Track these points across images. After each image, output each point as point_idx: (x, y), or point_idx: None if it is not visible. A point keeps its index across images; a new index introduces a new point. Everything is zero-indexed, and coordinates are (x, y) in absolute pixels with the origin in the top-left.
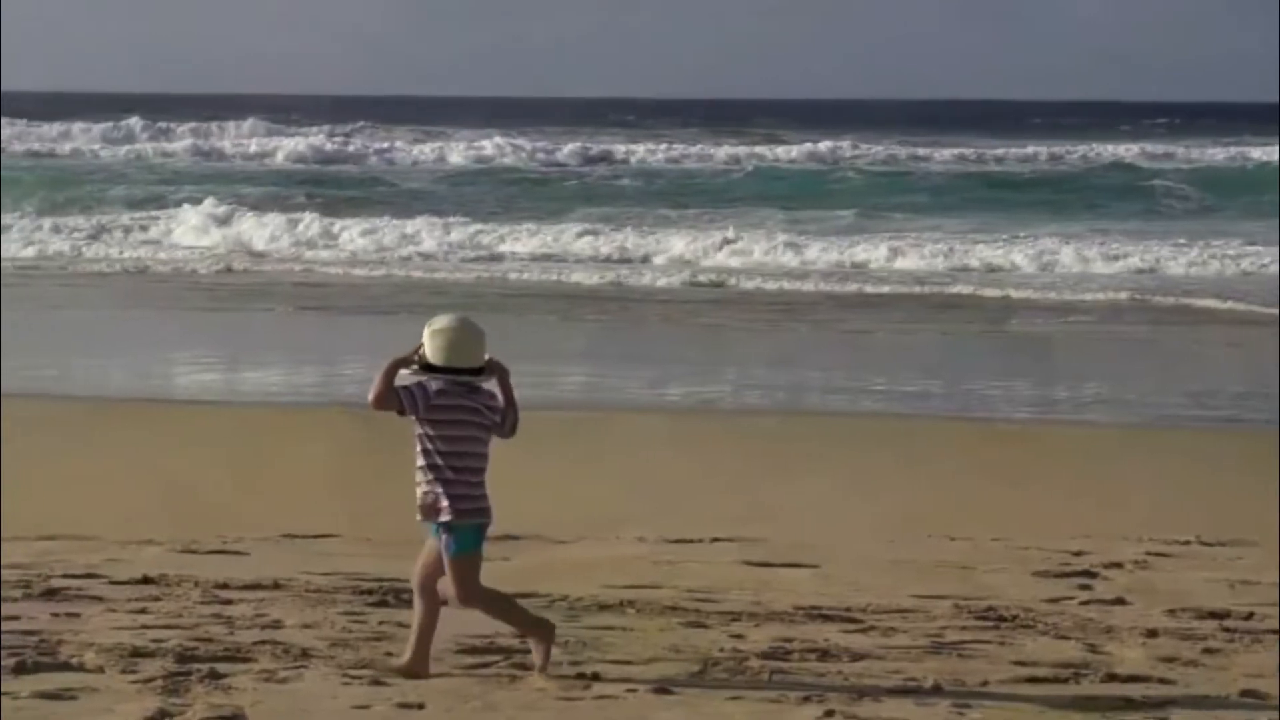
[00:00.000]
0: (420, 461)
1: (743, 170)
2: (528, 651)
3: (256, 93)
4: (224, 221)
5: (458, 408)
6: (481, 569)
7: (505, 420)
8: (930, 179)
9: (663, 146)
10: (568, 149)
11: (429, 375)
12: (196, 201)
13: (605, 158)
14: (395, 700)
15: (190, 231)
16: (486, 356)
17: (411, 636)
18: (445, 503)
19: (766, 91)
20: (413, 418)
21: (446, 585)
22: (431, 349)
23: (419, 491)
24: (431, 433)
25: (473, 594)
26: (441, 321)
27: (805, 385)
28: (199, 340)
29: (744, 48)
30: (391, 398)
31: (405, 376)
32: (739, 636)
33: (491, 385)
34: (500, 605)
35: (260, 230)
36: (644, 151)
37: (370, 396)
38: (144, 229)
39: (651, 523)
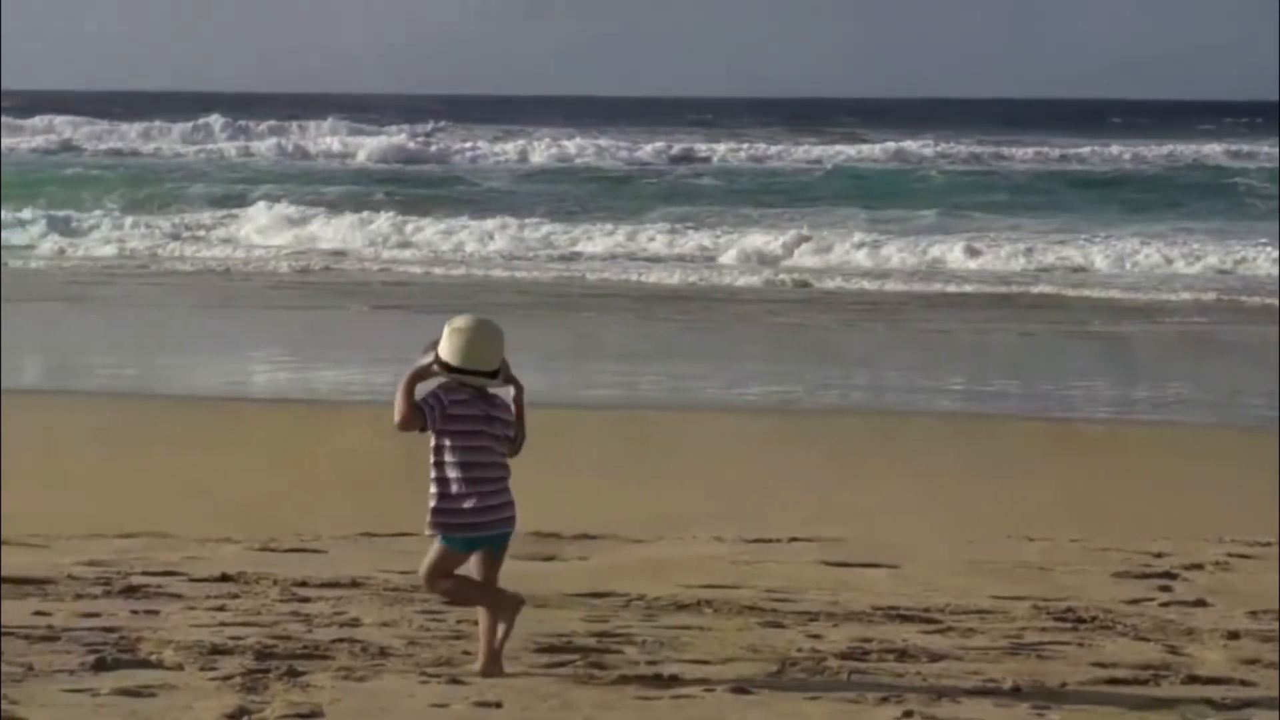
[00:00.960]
0: (433, 474)
1: (824, 169)
2: (605, 650)
3: (334, 92)
4: (304, 221)
5: (472, 417)
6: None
7: (515, 437)
8: (1012, 178)
9: (744, 145)
10: (649, 148)
11: (448, 375)
12: (275, 200)
13: (686, 157)
14: (473, 699)
15: (269, 230)
16: (504, 358)
17: (480, 639)
18: (434, 503)
19: (846, 90)
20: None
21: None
22: (449, 348)
23: (429, 501)
24: (447, 443)
25: (433, 582)
26: (460, 321)
27: (884, 385)
28: (278, 339)
29: (823, 46)
30: (416, 416)
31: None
32: (817, 637)
33: (507, 397)
34: (463, 595)
35: (340, 230)
36: (725, 150)
37: (396, 419)
38: (224, 227)
39: (729, 522)
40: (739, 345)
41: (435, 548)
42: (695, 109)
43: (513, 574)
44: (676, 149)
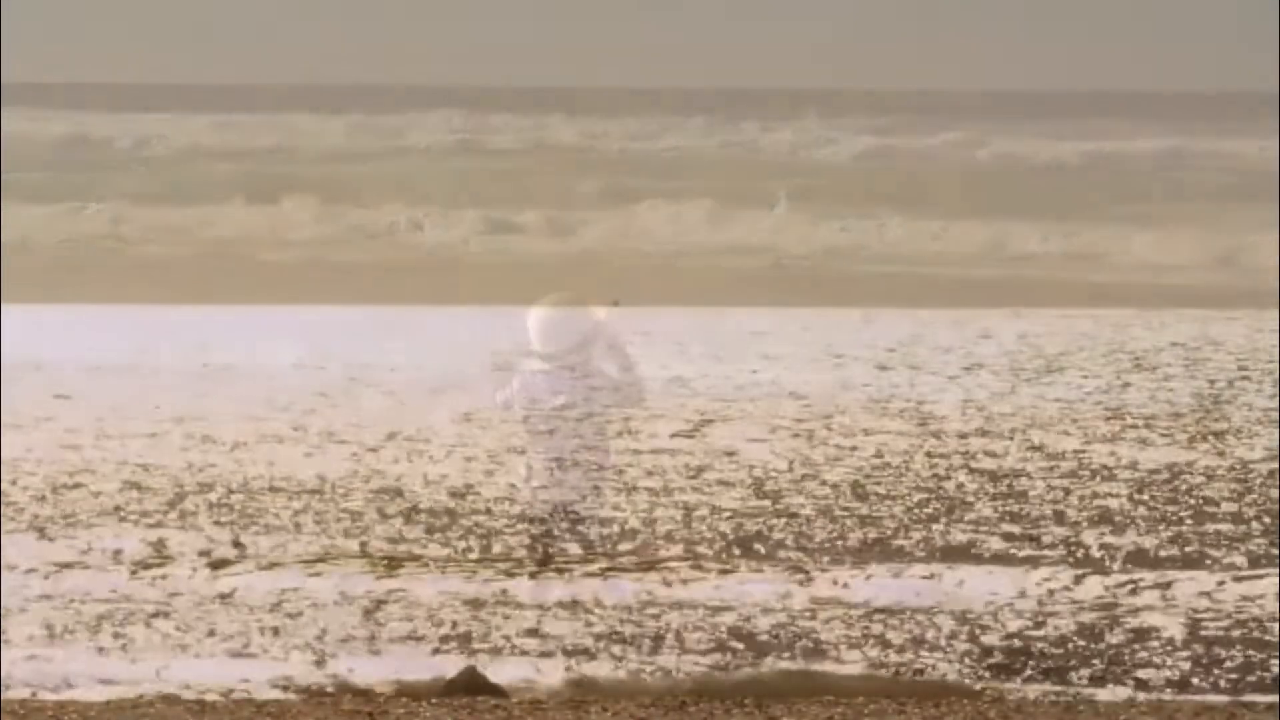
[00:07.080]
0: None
1: None
2: None
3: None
4: (755, 221)
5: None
6: None
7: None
8: None
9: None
10: (1124, 143)
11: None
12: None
13: (1172, 152)
14: None
15: (747, 224)
16: (601, 316)
17: None
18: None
19: None
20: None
21: None
22: None
23: None
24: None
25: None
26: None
27: None
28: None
29: None
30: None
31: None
32: None
33: (600, 362)
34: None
35: (818, 228)
36: (1213, 145)
37: None
38: (687, 220)
39: None
40: None
41: None
42: (1188, 102)
43: None
44: (1158, 142)
